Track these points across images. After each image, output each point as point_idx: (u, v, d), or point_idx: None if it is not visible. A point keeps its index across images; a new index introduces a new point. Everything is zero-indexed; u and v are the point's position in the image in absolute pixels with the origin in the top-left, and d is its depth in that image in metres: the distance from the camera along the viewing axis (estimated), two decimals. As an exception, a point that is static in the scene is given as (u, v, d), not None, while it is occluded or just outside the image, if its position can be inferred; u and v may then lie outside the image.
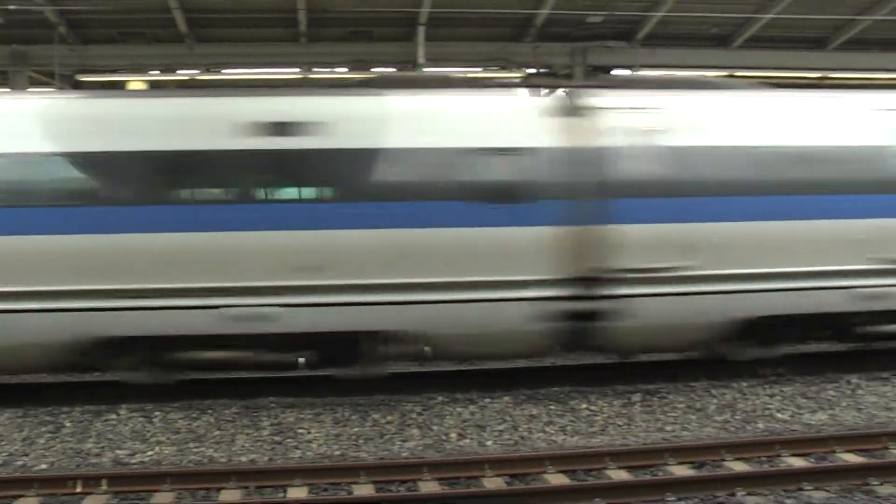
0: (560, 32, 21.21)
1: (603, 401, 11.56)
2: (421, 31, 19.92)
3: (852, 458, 9.34)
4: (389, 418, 10.96)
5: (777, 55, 22.86)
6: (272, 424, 10.76)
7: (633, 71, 22.03)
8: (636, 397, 11.72)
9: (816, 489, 8.48)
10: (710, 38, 22.26)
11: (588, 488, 8.41)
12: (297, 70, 21.21)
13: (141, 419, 10.95)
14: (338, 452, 9.85)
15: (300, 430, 10.56)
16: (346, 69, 21.22)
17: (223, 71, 21.15)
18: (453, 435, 10.42)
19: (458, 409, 11.20)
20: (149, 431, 10.53)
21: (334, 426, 10.72)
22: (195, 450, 9.96)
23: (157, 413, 11.16)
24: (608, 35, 21.55)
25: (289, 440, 10.26)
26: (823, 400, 11.72)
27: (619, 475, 8.92)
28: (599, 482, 8.68)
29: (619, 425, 10.77)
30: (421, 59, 20.12)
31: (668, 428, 10.69)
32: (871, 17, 21.28)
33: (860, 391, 12.05)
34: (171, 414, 11.13)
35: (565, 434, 10.46)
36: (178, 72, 21.23)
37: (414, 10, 19.24)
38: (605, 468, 9.08)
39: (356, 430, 10.60)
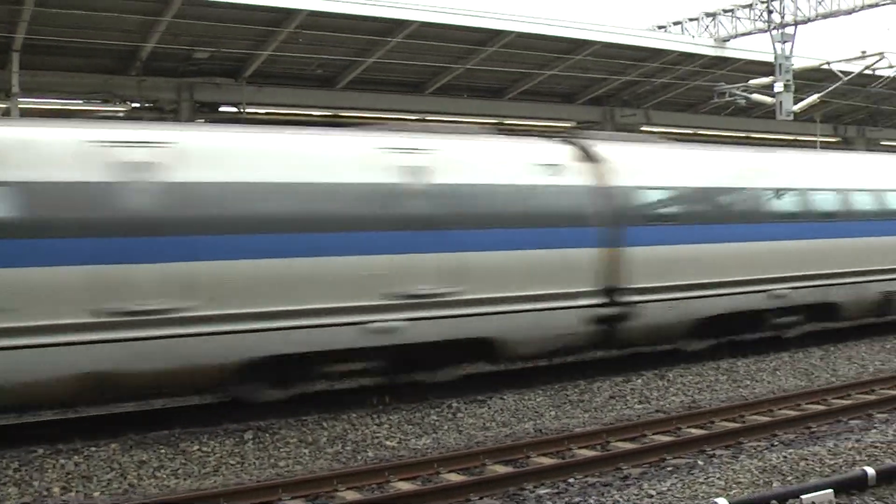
0: (166, 67, 20.83)
1: (215, 441, 11.37)
2: (15, 58, 18.67)
3: (455, 478, 9.91)
4: (-19, 477, 10.06)
5: (378, 97, 23.98)
6: None
7: (240, 109, 22.09)
8: (248, 435, 11.65)
9: (422, 510, 8.91)
10: (315, 79, 22.87)
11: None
12: None
13: None
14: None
15: None
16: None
17: None
18: (56, 489, 9.79)
19: (62, 461, 10.51)
20: None
21: (-88, 492, 9.67)
22: None
23: None
24: (216, 72, 21.47)
25: None
26: (427, 425, 12.34)
27: (233, 515, 8.84)
28: (213, 524, 8.56)
29: (233, 464, 10.67)
30: (15, 89, 18.83)
31: (282, 463, 10.76)
32: (462, 65, 22.96)
33: (460, 414, 12.82)
34: None
35: (177, 478, 10.19)
36: None
37: (8, 35, 18.03)
38: (220, 509, 8.97)
39: (-60, 493, 9.64)
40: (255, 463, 10.73)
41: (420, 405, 13.20)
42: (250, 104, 22.28)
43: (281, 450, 11.20)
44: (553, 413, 13.01)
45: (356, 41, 21.03)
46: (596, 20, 23.51)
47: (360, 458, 10.97)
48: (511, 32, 21.73)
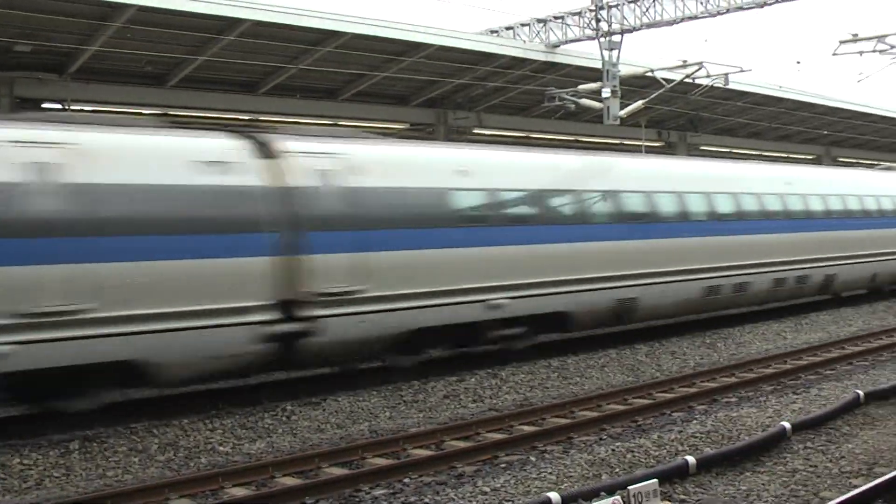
0: (-16, 60, 19.85)
1: (37, 453, 10.89)
2: None
3: (290, 481, 9.82)
4: None
5: (209, 96, 23.52)
6: None
7: (65, 106, 21.25)
8: (74, 445, 11.21)
9: (257, 516, 8.79)
10: (145, 76, 22.24)
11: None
12: None
13: None
14: None
15: None
16: None
17: None
18: None
19: None
20: None
21: None
22: None
23: None
24: (38, 66, 20.58)
25: None
26: (261, 429, 12.18)
27: (57, 528, 8.51)
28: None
29: (57, 477, 10.24)
30: None
31: (111, 473, 10.41)
32: (296, 65, 22.76)
33: (294, 417, 12.70)
34: None
35: (-4, 493, 9.72)
36: None
37: None
38: (42, 523, 8.61)
39: None
40: (81, 474, 10.35)
41: (253, 409, 13.01)
42: (76, 101, 21.46)
43: (109, 459, 10.84)
44: (388, 414, 13.05)
45: (188, 38, 20.57)
46: (430, 23, 23.80)
47: (192, 464, 10.73)
48: (346, 33, 21.69)
